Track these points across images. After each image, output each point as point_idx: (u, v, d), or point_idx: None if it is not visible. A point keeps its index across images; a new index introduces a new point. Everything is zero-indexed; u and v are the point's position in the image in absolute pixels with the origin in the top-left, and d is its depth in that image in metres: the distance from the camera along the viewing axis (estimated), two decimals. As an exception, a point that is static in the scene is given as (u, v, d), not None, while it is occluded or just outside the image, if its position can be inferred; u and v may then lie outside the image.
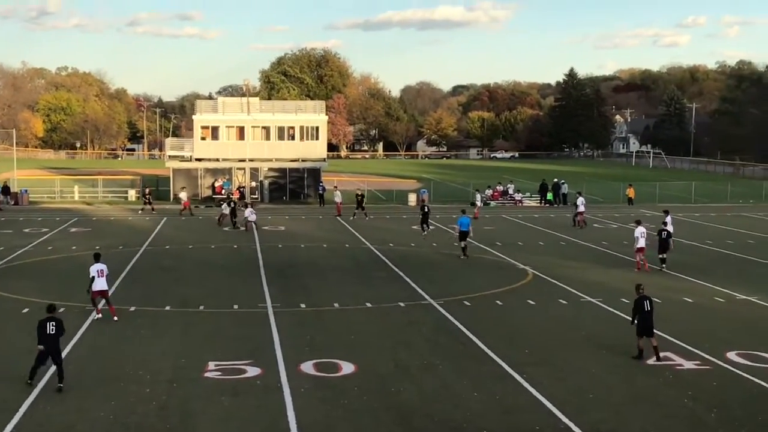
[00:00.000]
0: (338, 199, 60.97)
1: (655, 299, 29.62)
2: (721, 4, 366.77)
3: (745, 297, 31.09)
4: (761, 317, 27.92)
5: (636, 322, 22.76)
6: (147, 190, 65.01)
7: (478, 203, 61.68)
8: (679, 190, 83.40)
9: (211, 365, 21.71)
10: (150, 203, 62.37)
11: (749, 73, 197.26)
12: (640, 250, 37.32)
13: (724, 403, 18.91)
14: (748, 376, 20.94)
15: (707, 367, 21.82)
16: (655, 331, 22.70)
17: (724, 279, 34.82)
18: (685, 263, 39.00)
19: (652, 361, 22.21)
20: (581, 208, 54.32)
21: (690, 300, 30.64)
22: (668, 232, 38.29)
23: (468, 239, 41.32)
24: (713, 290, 32.51)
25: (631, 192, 72.03)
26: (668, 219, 41.19)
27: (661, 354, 22.64)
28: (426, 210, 49.85)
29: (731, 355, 22.78)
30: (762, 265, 39.33)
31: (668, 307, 29.25)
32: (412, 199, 70.56)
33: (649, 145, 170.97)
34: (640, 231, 37.37)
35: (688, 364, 22.02)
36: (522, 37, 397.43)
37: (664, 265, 37.38)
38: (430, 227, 49.70)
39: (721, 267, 38.60)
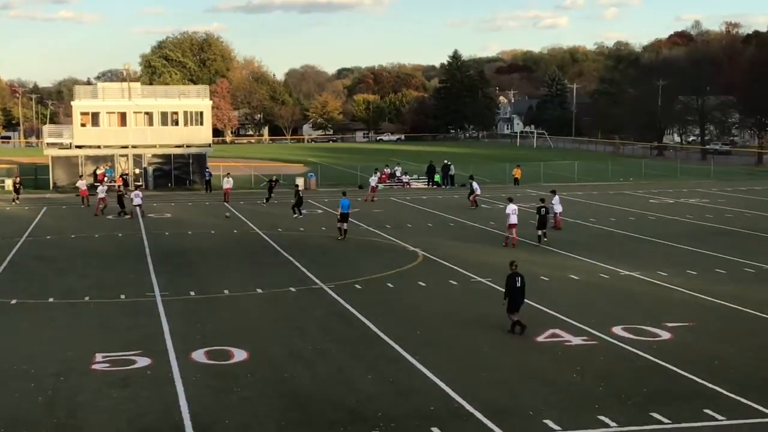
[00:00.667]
0: (228, 185, 60.17)
1: (543, 277, 30.35)
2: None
3: (628, 273, 31.86)
4: (644, 292, 28.66)
5: (507, 298, 23.30)
6: (17, 179, 62.95)
7: (373, 184, 61.73)
8: (563, 170, 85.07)
9: (99, 357, 21.19)
10: (18, 192, 60.52)
11: (627, 54, 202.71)
12: (512, 226, 38.53)
13: (611, 377, 19.34)
14: (633, 350, 21.46)
15: (594, 342, 22.29)
16: (542, 308, 23.04)
17: (608, 256, 35.63)
18: (570, 241, 39.80)
19: (542, 338, 22.59)
20: (478, 191, 55.06)
21: (576, 277, 31.25)
22: (547, 209, 39.86)
23: (348, 221, 42.04)
24: (598, 267, 33.22)
25: (517, 172, 73.18)
26: (556, 199, 42.58)
27: (550, 330, 23.13)
28: (299, 196, 50.56)
29: (617, 330, 23.32)
30: (643, 240, 40.39)
31: (555, 284, 29.81)
32: (300, 183, 70.18)
33: (532, 126, 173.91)
34: (511, 208, 38.69)
35: (576, 340, 22.46)
36: (406, 20, 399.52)
37: (544, 240, 38.86)
38: (303, 213, 49.89)
39: (605, 244, 39.50)
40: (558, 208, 43.46)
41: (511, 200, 40.04)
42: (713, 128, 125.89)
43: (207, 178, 68.32)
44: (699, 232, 42.95)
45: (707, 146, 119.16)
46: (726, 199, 59.18)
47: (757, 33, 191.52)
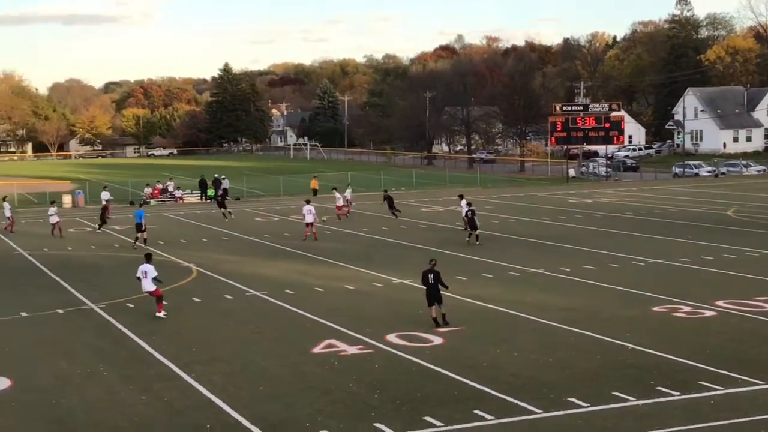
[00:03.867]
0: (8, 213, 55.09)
1: (317, 288, 30.55)
2: (364, 1, 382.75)
3: (401, 280, 32.49)
4: (417, 299, 29.19)
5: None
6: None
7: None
8: (336, 181, 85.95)
9: None
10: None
11: (395, 67, 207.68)
12: (309, 224, 44.37)
13: (387, 384, 19.63)
14: (407, 356, 21.89)
15: (370, 351, 22.57)
16: (318, 319, 23.07)
17: (381, 264, 36.24)
18: (343, 251, 40.28)
19: (318, 349, 22.66)
20: (340, 202, 54.78)
21: (351, 287, 31.61)
22: (473, 211, 42.83)
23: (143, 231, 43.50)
24: (371, 276, 33.73)
25: (314, 183, 73.61)
26: (463, 203, 44.69)
27: (326, 341, 23.28)
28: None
29: (391, 338, 23.73)
30: (413, 248, 41.26)
31: (331, 295, 30.05)
32: (67, 200, 67.78)
33: (305, 138, 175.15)
34: (307, 209, 44.35)
35: (352, 350, 22.68)
36: (175, 32, 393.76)
37: (476, 239, 41.59)
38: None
39: (378, 253, 40.18)
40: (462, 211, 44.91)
41: (308, 202, 45.77)
42: (478, 138, 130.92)
43: None
44: (464, 236, 44.38)
45: (473, 155, 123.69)
46: (492, 205, 61.55)
47: (515, 47, 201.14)
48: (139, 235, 43.20)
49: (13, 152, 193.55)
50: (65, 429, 17.24)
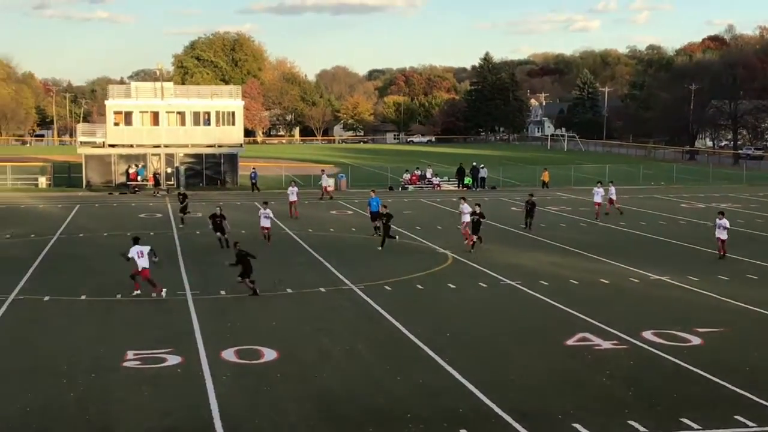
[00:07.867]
0: (325, 182, 60.33)
1: (572, 281, 30.31)
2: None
3: (658, 277, 31.68)
4: (674, 297, 28.50)
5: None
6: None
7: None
8: (594, 173, 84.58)
9: (130, 354, 21.36)
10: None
11: (658, 58, 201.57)
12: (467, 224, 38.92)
13: (641, 382, 19.26)
14: (663, 355, 21.37)
15: (624, 347, 22.19)
16: (572, 312, 22.88)
17: (638, 260, 35.41)
18: (601, 245, 39.64)
19: (571, 341, 22.52)
20: (598, 197, 50.77)
21: (606, 281, 31.11)
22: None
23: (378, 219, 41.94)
24: (628, 271, 33.05)
25: (546, 176, 72.99)
26: (724, 222, 36.96)
27: (580, 334, 23.08)
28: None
29: (647, 335, 23.21)
30: (673, 245, 40.15)
31: (586, 288, 29.71)
32: (330, 183, 70.37)
33: (563, 129, 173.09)
34: (465, 207, 39.33)
35: (606, 344, 22.37)
36: (437, 22, 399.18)
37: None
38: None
39: (635, 248, 39.29)
40: (723, 234, 36.84)
41: (464, 199, 41.02)
42: (746, 133, 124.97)
43: (253, 180, 68.28)
44: (730, 237, 42.49)
45: (739, 151, 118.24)
46: (758, 204, 58.71)
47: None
48: (375, 223, 42.15)
49: (282, 135, 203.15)
50: (324, 402, 18.01)
